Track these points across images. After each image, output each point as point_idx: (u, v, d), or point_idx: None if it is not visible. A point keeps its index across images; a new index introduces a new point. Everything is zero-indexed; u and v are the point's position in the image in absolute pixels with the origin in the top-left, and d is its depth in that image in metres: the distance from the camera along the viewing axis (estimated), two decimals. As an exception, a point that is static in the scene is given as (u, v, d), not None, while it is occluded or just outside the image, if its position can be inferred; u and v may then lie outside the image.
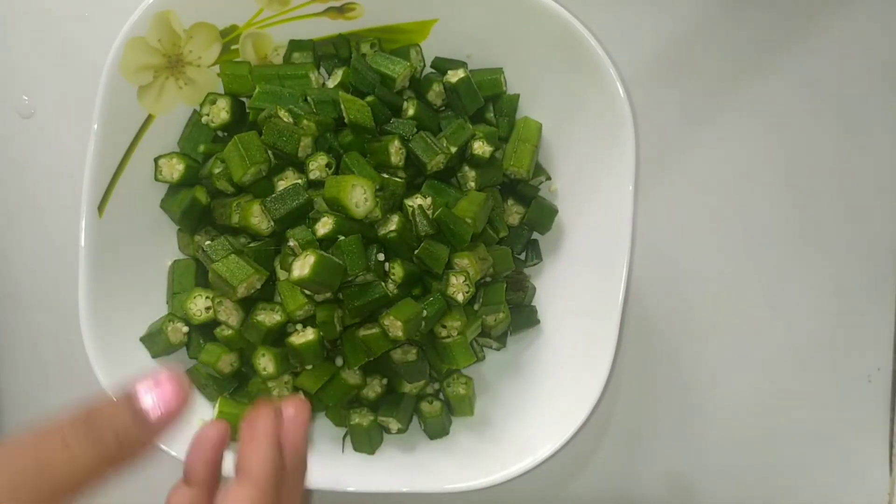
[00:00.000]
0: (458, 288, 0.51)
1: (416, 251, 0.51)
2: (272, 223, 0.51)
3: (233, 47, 0.56)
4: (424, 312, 0.50)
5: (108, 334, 0.52)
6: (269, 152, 0.52)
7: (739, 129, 0.63)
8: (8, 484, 0.32)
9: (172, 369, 0.39)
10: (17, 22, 0.62)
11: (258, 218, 0.51)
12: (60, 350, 0.61)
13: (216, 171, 0.53)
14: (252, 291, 0.51)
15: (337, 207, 0.50)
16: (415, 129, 0.53)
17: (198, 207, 0.54)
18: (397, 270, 0.51)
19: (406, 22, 0.56)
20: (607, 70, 0.52)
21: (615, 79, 0.52)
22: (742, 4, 0.63)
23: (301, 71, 0.55)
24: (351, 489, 0.53)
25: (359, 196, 0.49)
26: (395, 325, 0.50)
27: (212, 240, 0.54)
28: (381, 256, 0.51)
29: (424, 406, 0.56)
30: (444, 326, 0.52)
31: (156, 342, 0.54)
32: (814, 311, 0.63)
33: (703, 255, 0.62)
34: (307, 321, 0.52)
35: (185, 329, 0.54)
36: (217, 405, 0.54)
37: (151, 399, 0.36)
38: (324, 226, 0.50)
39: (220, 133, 0.56)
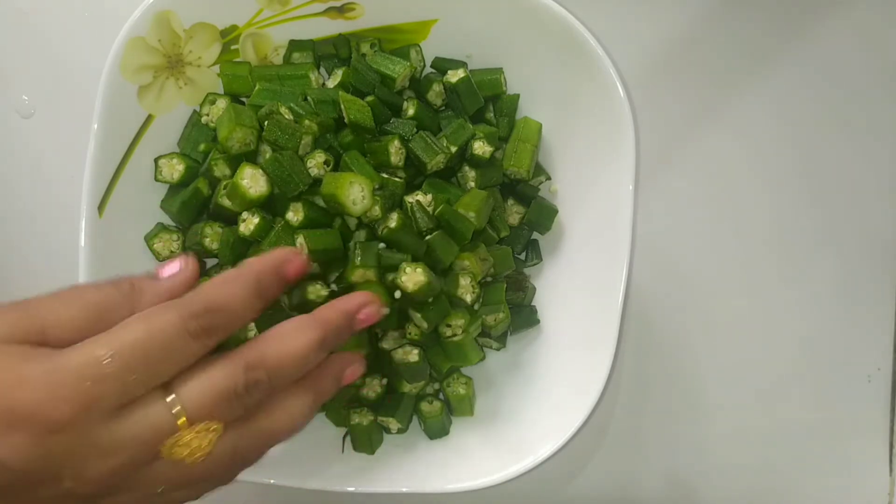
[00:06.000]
0: (467, 289, 0.51)
1: (427, 237, 0.51)
2: (263, 187, 0.51)
3: (233, 47, 0.56)
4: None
5: (108, 334, 0.52)
6: (258, 128, 0.52)
7: (740, 129, 0.63)
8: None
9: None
10: (16, 22, 0.62)
11: (248, 180, 0.50)
12: (60, 350, 0.61)
13: (213, 159, 0.53)
14: None
15: (334, 205, 0.50)
16: (415, 129, 0.53)
17: (199, 198, 0.54)
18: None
19: (406, 22, 0.56)
20: (607, 70, 0.52)
21: (615, 79, 0.52)
22: (743, 4, 0.63)
23: (301, 71, 0.55)
24: (351, 489, 0.53)
25: (356, 193, 0.49)
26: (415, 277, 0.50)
27: (212, 234, 0.54)
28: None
29: (424, 406, 0.56)
30: (450, 326, 0.52)
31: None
32: (814, 311, 0.63)
33: (703, 255, 0.62)
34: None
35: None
36: None
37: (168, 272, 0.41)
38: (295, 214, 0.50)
39: (219, 133, 0.56)
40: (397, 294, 0.50)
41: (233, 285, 0.39)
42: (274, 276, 0.42)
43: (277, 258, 0.42)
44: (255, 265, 0.41)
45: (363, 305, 0.44)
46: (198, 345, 0.37)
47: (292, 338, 0.40)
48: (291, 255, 0.43)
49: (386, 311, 0.46)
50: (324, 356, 0.41)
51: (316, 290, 0.50)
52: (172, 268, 0.41)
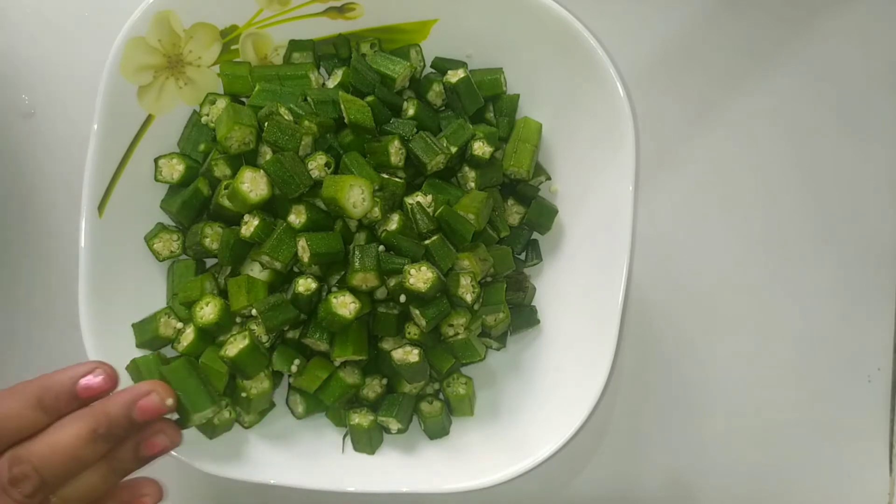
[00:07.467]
0: (467, 289, 0.51)
1: (426, 241, 0.51)
2: (263, 191, 0.51)
3: (233, 47, 0.56)
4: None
5: (108, 334, 0.52)
6: (257, 127, 0.52)
7: (739, 130, 0.63)
8: None
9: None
10: (17, 22, 0.62)
11: (248, 184, 0.50)
12: (60, 350, 0.61)
13: (214, 159, 0.53)
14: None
15: (334, 208, 0.50)
16: (415, 129, 0.53)
17: (199, 198, 0.54)
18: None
19: (406, 22, 0.56)
20: (607, 70, 0.52)
21: (615, 79, 0.52)
22: (743, 4, 0.63)
23: (301, 71, 0.55)
24: (351, 489, 0.53)
25: (356, 196, 0.49)
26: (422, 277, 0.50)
27: (212, 234, 0.54)
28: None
29: (424, 406, 0.56)
30: (451, 325, 0.52)
31: (145, 331, 0.54)
32: (814, 311, 0.63)
33: (703, 255, 0.62)
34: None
35: (179, 325, 0.54)
36: None
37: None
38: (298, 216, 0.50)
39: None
40: (402, 298, 0.50)
41: (7, 399, 0.39)
42: (64, 390, 0.41)
43: (74, 373, 0.42)
44: (45, 379, 0.41)
45: (143, 395, 0.43)
46: None
47: (60, 429, 0.40)
48: (89, 370, 0.42)
49: (171, 402, 0.44)
50: (104, 447, 0.41)
51: (306, 284, 0.50)
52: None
